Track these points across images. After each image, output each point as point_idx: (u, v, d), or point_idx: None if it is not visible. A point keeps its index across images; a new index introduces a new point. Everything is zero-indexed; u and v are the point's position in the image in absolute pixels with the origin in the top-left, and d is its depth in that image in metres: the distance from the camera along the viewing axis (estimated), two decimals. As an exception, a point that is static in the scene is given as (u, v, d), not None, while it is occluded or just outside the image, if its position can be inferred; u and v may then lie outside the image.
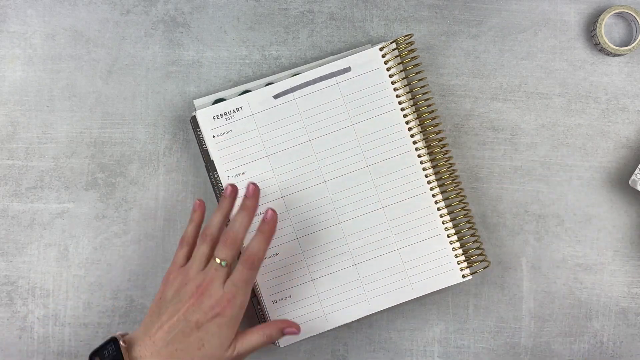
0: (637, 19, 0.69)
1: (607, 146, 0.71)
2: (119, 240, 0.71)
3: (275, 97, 0.68)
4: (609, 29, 0.71)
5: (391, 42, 0.67)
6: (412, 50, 0.67)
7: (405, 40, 0.67)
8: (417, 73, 0.68)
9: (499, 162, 0.72)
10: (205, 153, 0.69)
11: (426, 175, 0.68)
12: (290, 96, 0.68)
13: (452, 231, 0.68)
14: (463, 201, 0.68)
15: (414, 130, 0.68)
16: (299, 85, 0.68)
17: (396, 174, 0.68)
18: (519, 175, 0.71)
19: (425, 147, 0.68)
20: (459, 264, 0.68)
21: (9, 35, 0.72)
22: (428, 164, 0.68)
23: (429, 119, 0.68)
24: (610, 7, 0.69)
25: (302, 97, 0.68)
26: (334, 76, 0.68)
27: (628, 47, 0.70)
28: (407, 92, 0.68)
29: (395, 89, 0.68)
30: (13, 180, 0.71)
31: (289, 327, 0.63)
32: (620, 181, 0.71)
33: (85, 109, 0.72)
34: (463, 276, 0.68)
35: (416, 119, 0.68)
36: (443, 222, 0.68)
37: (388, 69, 0.67)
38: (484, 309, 0.71)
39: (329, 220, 0.68)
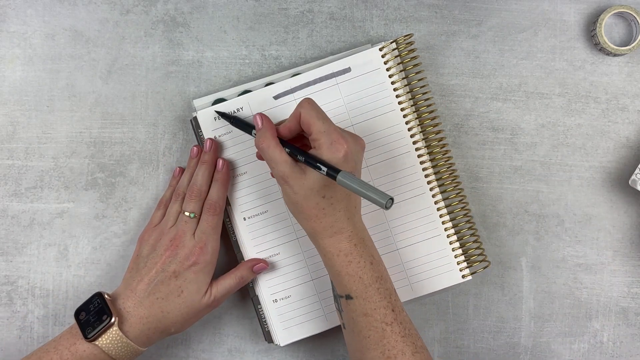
0: (637, 18, 0.69)
1: (607, 146, 0.71)
2: (118, 240, 0.71)
3: (276, 97, 0.68)
4: (609, 29, 0.71)
5: (391, 42, 0.67)
6: (412, 50, 0.67)
7: (405, 40, 0.67)
8: (417, 73, 0.68)
9: (499, 162, 0.71)
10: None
11: (426, 176, 0.68)
12: (290, 97, 0.68)
13: (452, 231, 0.68)
14: (463, 201, 0.68)
15: (414, 131, 0.68)
16: (299, 85, 0.68)
17: (396, 174, 0.68)
18: (519, 175, 0.71)
19: (425, 147, 0.68)
20: (458, 264, 0.68)
21: (9, 35, 0.72)
22: (428, 164, 0.68)
23: (429, 119, 0.68)
24: (610, 7, 0.69)
25: (302, 98, 0.67)
26: (334, 77, 0.68)
27: (628, 47, 0.70)
28: (407, 92, 0.68)
29: (395, 89, 0.67)
30: (13, 180, 0.71)
31: (257, 264, 0.67)
32: (620, 181, 0.71)
33: (85, 109, 0.72)
34: (463, 276, 0.68)
35: (416, 119, 0.68)
36: (443, 222, 0.68)
37: (388, 69, 0.67)
38: (484, 309, 0.71)
39: None
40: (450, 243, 0.68)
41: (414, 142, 0.68)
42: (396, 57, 0.68)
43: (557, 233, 0.71)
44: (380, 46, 0.68)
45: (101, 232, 0.71)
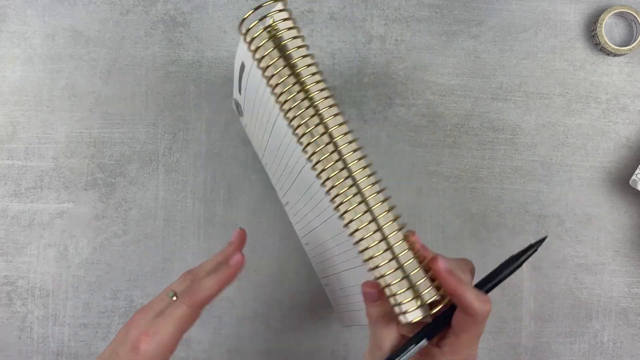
0: (638, 18, 0.69)
1: (608, 146, 0.71)
2: (118, 240, 0.71)
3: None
4: (609, 29, 0.71)
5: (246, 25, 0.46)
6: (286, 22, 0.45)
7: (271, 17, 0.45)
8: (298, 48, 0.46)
9: (500, 162, 0.71)
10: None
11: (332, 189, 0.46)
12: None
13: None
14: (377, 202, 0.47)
15: (300, 130, 0.46)
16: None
17: (310, 194, 0.52)
18: (520, 176, 0.71)
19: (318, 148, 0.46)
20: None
21: (9, 35, 0.72)
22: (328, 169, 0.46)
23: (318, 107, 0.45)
24: (611, 7, 0.69)
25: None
26: (241, 78, 0.53)
27: (628, 47, 0.70)
28: (287, 78, 0.45)
29: (268, 79, 0.46)
30: (13, 180, 0.71)
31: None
32: (620, 181, 0.71)
33: (85, 109, 0.72)
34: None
35: (297, 115, 0.45)
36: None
37: (257, 59, 0.46)
38: (484, 309, 0.71)
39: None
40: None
41: (303, 146, 0.46)
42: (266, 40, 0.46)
43: (557, 233, 0.71)
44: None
45: (101, 232, 0.71)
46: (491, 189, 0.71)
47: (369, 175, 0.45)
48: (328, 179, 0.45)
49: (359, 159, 0.45)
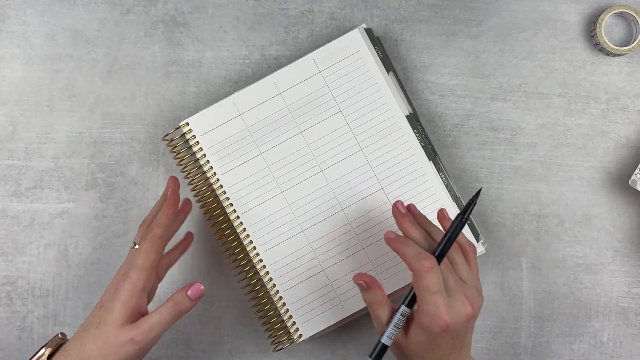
0: (637, 19, 0.69)
1: (607, 146, 0.71)
2: (118, 240, 0.71)
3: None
4: (609, 29, 0.71)
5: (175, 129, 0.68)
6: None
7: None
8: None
9: (499, 162, 0.71)
10: None
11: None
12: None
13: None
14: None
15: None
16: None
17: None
18: (519, 175, 0.71)
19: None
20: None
21: (9, 35, 0.72)
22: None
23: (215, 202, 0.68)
24: (610, 7, 0.69)
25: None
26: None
27: (628, 47, 0.70)
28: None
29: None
30: (13, 180, 0.71)
31: (191, 287, 0.60)
32: (620, 181, 0.71)
33: (85, 109, 0.72)
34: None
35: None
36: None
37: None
38: (484, 309, 0.71)
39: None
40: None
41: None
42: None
43: (557, 233, 0.71)
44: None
45: (101, 232, 0.71)
46: (491, 188, 0.72)
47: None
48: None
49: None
